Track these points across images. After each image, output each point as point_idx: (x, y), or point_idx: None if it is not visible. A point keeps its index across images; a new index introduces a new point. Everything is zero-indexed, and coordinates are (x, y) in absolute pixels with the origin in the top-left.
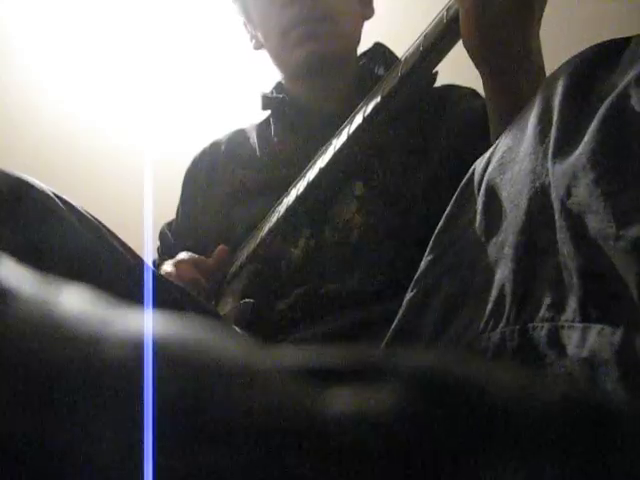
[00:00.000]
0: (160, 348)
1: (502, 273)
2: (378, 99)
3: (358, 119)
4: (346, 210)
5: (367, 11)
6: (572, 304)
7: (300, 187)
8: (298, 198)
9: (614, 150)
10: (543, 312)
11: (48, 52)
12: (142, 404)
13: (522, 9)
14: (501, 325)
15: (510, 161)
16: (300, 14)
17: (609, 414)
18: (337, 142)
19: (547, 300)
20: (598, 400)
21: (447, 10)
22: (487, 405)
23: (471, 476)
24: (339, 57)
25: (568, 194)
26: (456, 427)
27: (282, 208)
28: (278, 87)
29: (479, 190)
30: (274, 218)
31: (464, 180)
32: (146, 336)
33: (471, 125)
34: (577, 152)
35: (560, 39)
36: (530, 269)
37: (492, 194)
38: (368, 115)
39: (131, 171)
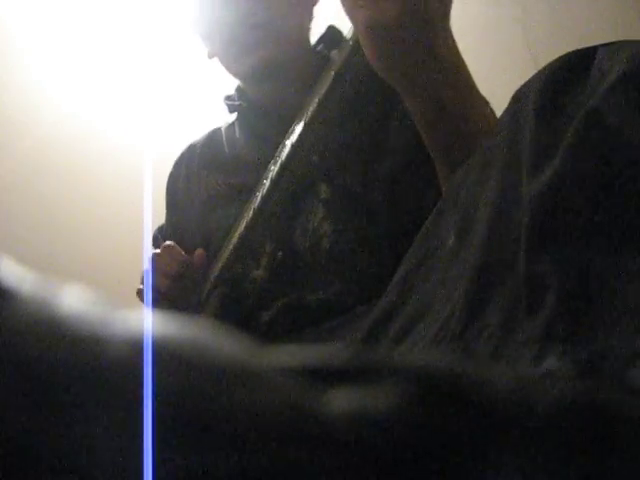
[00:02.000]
0: (160, 348)
1: (459, 291)
2: (328, 83)
3: (312, 106)
4: (313, 216)
5: None
6: (529, 325)
7: (258, 197)
8: (256, 211)
9: (585, 171)
10: (490, 331)
11: (48, 52)
12: (142, 404)
13: (416, 14)
14: (445, 342)
15: (482, 180)
16: (242, 22)
17: (607, 415)
18: (289, 143)
19: (497, 320)
20: (596, 401)
21: None
22: (486, 405)
23: (470, 476)
24: (289, 58)
25: (541, 211)
26: (455, 427)
27: (242, 224)
28: (239, 91)
29: (455, 204)
30: (237, 234)
31: (442, 196)
32: (146, 336)
33: None
34: (548, 173)
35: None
36: (484, 288)
37: (467, 211)
38: (321, 99)
39: (131, 171)
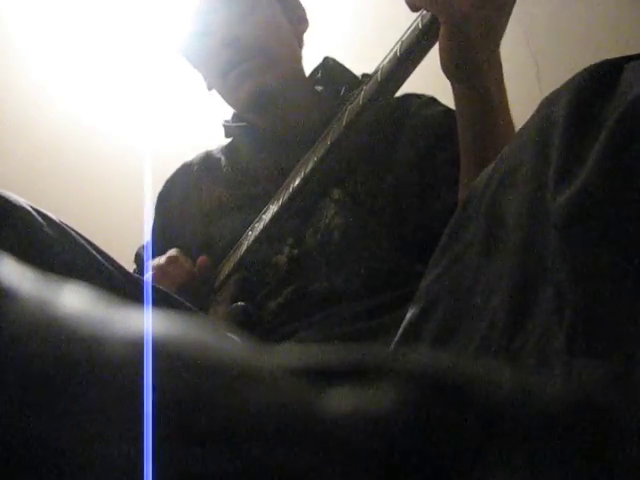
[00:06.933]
0: (160, 347)
1: (496, 301)
2: (358, 107)
3: (339, 127)
4: (325, 214)
5: (301, 26)
6: (562, 336)
7: (283, 197)
8: (282, 207)
9: (615, 180)
10: (532, 343)
11: (48, 52)
12: (142, 403)
13: (498, 20)
14: (491, 353)
15: (510, 186)
16: (235, 55)
17: (608, 414)
18: (318, 152)
19: (538, 331)
20: (597, 401)
21: (422, 18)
22: (487, 405)
23: (471, 476)
24: (282, 85)
25: (568, 224)
26: (456, 427)
27: (267, 217)
28: (238, 115)
29: (478, 211)
30: (260, 226)
31: (464, 199)
32: (146, 336)
33: (430, 132)
34: (578, 181)
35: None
36: (524, 299)
37: (492, 218)
38: (350, 121)
39: (131, 171)
